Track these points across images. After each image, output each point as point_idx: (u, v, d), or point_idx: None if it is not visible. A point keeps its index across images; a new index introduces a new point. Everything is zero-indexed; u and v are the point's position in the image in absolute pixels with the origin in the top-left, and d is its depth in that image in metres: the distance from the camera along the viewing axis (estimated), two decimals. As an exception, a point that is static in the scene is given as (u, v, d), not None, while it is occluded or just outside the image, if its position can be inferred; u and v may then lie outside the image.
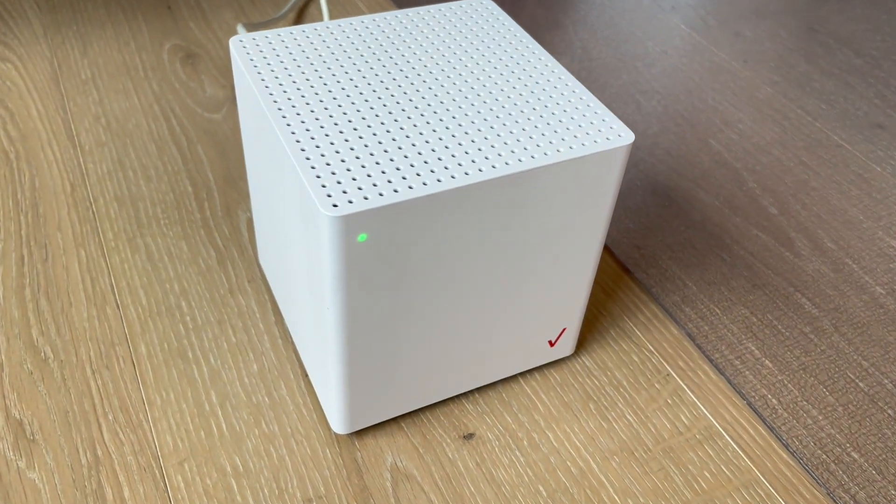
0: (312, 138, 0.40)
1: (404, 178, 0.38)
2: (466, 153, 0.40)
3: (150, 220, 0.61)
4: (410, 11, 0.51)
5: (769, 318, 0.58)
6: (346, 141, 0.40)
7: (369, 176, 0.38)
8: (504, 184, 0.39)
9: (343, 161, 0.39)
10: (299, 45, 0.47)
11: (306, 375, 0.51)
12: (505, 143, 0.41)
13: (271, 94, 0.43)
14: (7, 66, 0.76)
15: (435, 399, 0.50)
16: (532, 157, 0.40)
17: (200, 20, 0.85)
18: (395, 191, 0.37)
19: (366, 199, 0.37)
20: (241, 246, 0.60)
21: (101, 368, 0.51)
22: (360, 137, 0.40)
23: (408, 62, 0.46)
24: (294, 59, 0.45)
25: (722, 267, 0.62)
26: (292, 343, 0.53)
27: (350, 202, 0.37)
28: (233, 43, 0.46)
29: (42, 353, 0.52)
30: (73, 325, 0.54)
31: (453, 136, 0.41)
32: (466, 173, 0.39)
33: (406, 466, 0.47)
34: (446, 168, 0.39)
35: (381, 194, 0.37)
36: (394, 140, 0.40)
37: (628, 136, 0.42)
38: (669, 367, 0.54)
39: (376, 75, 0.45)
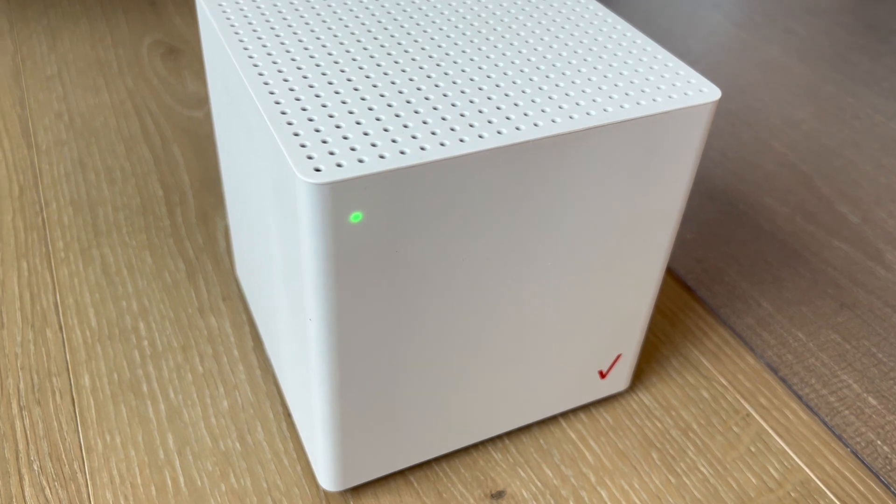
0: (292, 89, 0.30)
1: (414, 136, 0.28)
2: (499, 108, 0.29)
3: (111, 227, 0.51)
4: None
5: (865, 343, 0.47)
6: (338, 93, 0.30)
7: (366, 134, 0.28)
8: (550, 147, 0.29)
9: (332, 116, 0.28)
10: (282, -10, 0.37)
11: (289, 415, 0.41)
12: (550, 98, 0.30)
13: (241, 41, 0.32)
14: (-37, 61, 0.67)
15: (453, 447, 0.38)
16: (588, 113, 0.30)
17: (187, 14, 0.76)
18: (403, 152, 0.27)
19: (360, 161, 0.26)
20: (216, 257, 0.49)
21: (32, 404, 0.40)
22: (356, 90, 0.30)
23: (419, 7, 0.36)
24: (275, 4, 0.35)
25: (801, 283, 0.51)
26: (273, 374, 0.43)
27: (339, 165, 0.26)
28: (202, 2, 0.36)
29: (-42, 386, 0.41)
30: (3, 351, 0.43)
31: (480, 88, 0.30)
32: (500, 132, 0.28)
33: (416, 535, 0.36)
34: (472, 126, 0.28)
35: (382, 156, 0.27)
36: (401, 93, 0.30)
37: (713, 92, 0.32)
38: (749, 405, 0.43)
39: (379, 21, 0.34)
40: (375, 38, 0.33)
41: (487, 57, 0.32)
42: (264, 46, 0.32)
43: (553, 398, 0.40)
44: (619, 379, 0.41)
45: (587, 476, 0.39)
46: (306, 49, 0.32)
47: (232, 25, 0.34)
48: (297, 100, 0.29)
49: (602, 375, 0.40)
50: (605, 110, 0.30)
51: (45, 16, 0.74)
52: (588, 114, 0.30)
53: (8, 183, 0.54)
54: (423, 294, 0.31)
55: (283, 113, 0.28)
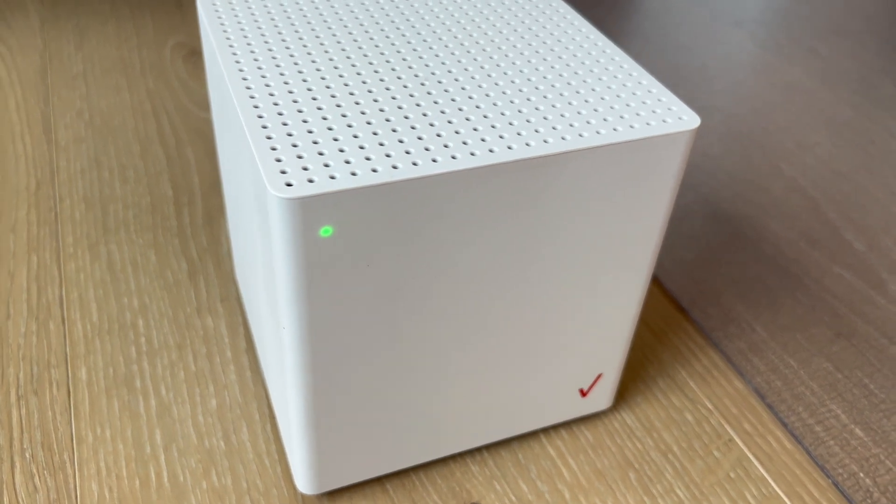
0: (276, 104, 0.31)
1: (388, 155, 0.28)
2: (475, 129, 0.30)
3: (119, 225, 0.53)
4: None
5: (858, 374, 0.46)
6: (320, 109, 0.30)
7: (342, 151, 0.28)
8: (524, 170, 0.29)
9: (311, 132, 0.29)
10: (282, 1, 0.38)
11: (274, 417, 0.41)
12: (528, 121, 0.31)
13: (234, 53, 0.34)
14: (-6, 57, 0.70)
15: (430, 457, 0.39)
16: (563, 138, 0.30)
17: (212, 19, 0.78)
18: (374, 170, 0.28)
19: (332, 178, 0.27)
20: (218, 258, 0.51)
21: (29, 394, 0.42)
22: (338, 106, 0.31)
23: (412, 25, 0.37)
24: (271, 16, 0.36)
25: (798, 310, 0.50)
26: (262, 377, 0.44)
27: (310, 181, 0.27)
28: (201, 4, 0.38)
29: (-38, 373, 0.43)
30: (6, 341, 0.45)
31: (460, 109, 0.31)
32: (473, 153, 0.29)
33: (388, 542, 0.37)
34: (447, 146, 0.29)
35: (353, 174, 0.27)
36: (381, 111, 0.31)
37: (692, 120, 0.32)
38: (732, 430, 0.43)
39: (371, 39, 0.35)
40: (365, 56, 0.34)
41: (472, 78, 0.33)
42: (255, 60, 0.33)
43: (532, 414, 0.40)
44: (601, 398, 0.41)
45: (562, 493, 0.39)
46: (296, 64, 0.33)
47: (227, 36, 0.35)
48: (280, 114, 0.30)
49: (583, 394, 0.41)
50: (580, 135, 0.30)
51: (74, 15, 0.77)
52: (563, 138, 0.30)
53: (26, 178, 0.56)
54: (396, 308, 0.31)
55: (264, 127, 0.29)
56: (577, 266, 0.34)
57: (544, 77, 0.33)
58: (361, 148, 0.29)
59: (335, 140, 0.29)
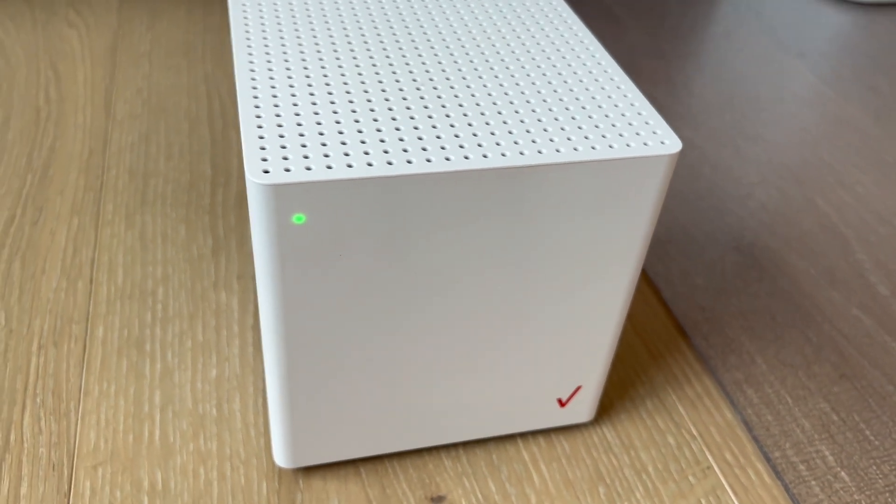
0: (275, 96, 0.33)
1: (367, 153, 0.30)
2: (456, 136, 0.31)
3: (157, 198, 0.56)
4: (450, -14, 0.43)
5: (855, 418, 0.45)
6: (315, 104, 0.32)
7: (324, 144, 0.30)
8: (496, 179, 0.31)
9: (300, 124, 0.31)
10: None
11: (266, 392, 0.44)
12: (510, 132, 0.32)
13: (248, 45, 0.36)
14: (71, 32, 0.75)
15: (404, 447, 0.40)
16: (539, 151, 0.31)
17: (277, 11, 0.81)
18: (350, 166, 0.29)
19: (308, 169, 0.29)
20: (242, 238, 0.53)
21: (49, 345, 0.45)
22: (333, 102, 0.33)
23: (424, 31, 0.38)
24: (292, 10, 0.39)
25: (805, 347, 0.50)
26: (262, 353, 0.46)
27: (287, 170, 0.29)
28: (231, -8, 0.40)
29: (-6, 319, 0.47)
30: (38, 294, 0.48)
31: (447, 115, 0.32)
32: (448, 158, 0.30)
33: (351, 522, 0.38)
34: (425, 149, 0.31)
35: (329, 167, 0.29)
36: (372, 111, 0.32)
37: (674, 144, 0.32)
38: (712, 457, 0.43)
39: (381, 42, 0.37)
40: (371, 58, 0.36)
41: (467, 87, 0.34)
42: (267, 53, 0.35)
43: (509, 418, 0.41)
44: (581, 410, 0.42)
45: (529, 497, 0.40)
46: (303, 60, 0.35)
47: (246, 29, 0.37)
48: (276, 105, 0.32)
49: (561, 404, 0.41)
50: (557, 150, 0.31)
51: (151, -2, 0.81)
52: (539, 152, 0.31)
53: (81, 146, 0.60)
54: (368, 302, 0.33)
55: (258, 116, 0.31)
56: (552, 279, 0.35)
57: (538, 90, 0.34)
58: (343, 143, 0.30)
59: (320, 134, 0.31)
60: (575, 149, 0.31)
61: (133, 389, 0.43)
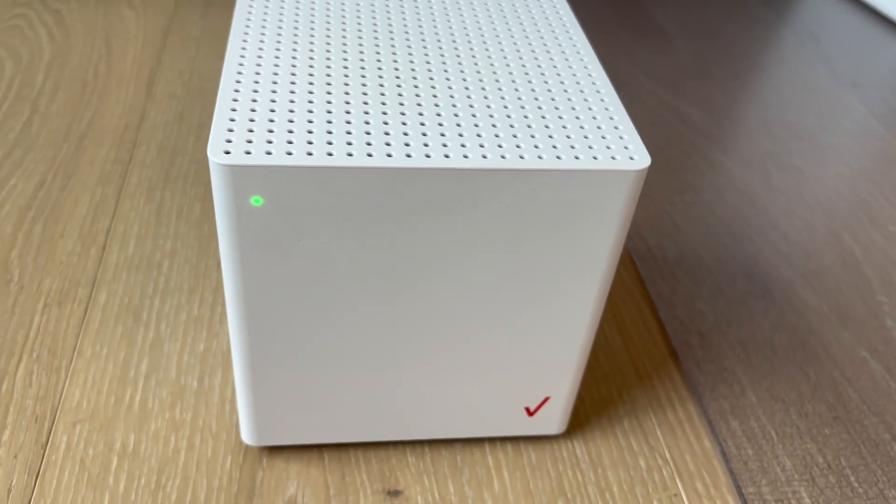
0: (256, 82, 0.34)
1: (330, 143, 0.31)
2: (424, 135, 0.32)
3: (179, 175, 0.58)
4: (461, -12, 0.43)
5: (842, 463, 0.44)
6: (293, 92, 0.33)
7: (291, 132, 0.31)
8: (452, 179, 0.31)
9: (273, 111, 0.32)
10: (314, -5, 0.41)
11: (247, 370, 0.45)
12: (478, 135, 0.32)
13: (245, 34, 0.37)
14: (129, 13, 0.78)
15: (367, 438, 0.41)
16: (503, 157, 0.31)
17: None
18: (310, 154, 0.30)
19: (268, 154, 0.30)
20: (253, 221, 0.55)
21: (54, 305, 0.48)
22: (311, 92, 0.33)
23: (421, 34, 0.39)
24: (297, 7, 0.40)
25: (802, 385, 0.48)
26: (252, 332, 0.47)
27: (247, 153, 0.30)
28: (244, -20, 0.41)
29: (9, 274, 0.49)
30: (53, 256, 0.51)
31: (421, 113, 0.33)
32: (408, 156, 0.31)
33: (306, 504, 0.39)
34: (388, 144, 0.31)
35: (289, 153, 0.30)
36: (347, 103, 0.33)
37: (642, 160, 0.32)
38: (682, 485, 0.42)
39: (375, 40, 0.38)
40: (361, 54, 0.36)
41: (449, 87, 0.35)
42: (261, 42, 0.36)
43: (476, 421, 0.41)
44: (550, 422, 0.42)
45: (485, 502, 0.40)
46: (294, 51, 0.36)
47: (248, 20, 0.38)
48: (255, 91, 0.33)
49: (529, 413, 0.41)
50: (521, 157, 0.31)
51: (209, -15, 0.84)
52: (503, 157, 0.31)
53: (118, 120, 0.63)
54: (326, 287, 0.34)
55: (234, 100, 0.32)
56: (513, 288, 0.35)
57: (518, 96, 0.35)
58: (309, 132, 0.31)
59: (290, 121, 0.32)
60: (540, 157, 0.31)
61: (123, 355, 0.45)
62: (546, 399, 0.41)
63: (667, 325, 0.51)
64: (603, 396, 0.46)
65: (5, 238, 0.51)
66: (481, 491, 0.41)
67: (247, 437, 0.40)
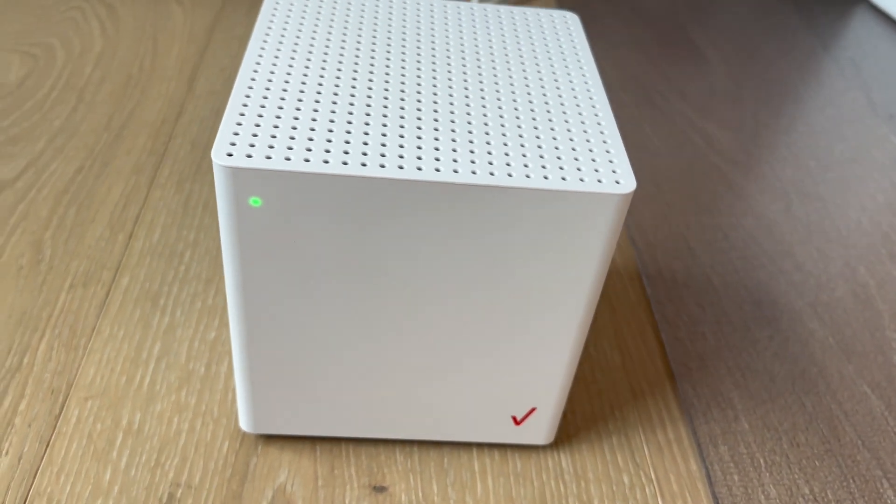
0: (268, 88, 0.35)
1: (328, 150, 0.32)
2: (419, 147, 0.33)
3: (209, 169, 0.61)
4: (480, 6, 0.45)
5: (828, 497, 0.44)
6: (300, 100, 0.35)
7: (292, 138, 0.33)
8: (440, 192, 0.32)
9: (279, 117, 0.34)
10: (335, 5, 0.43)
11: (252, 360, 0.47)
12: (471, 151, 0.33)
13: (265, 39, 0.39)
14: (177, 9, 0.81)
15: (359, 434, 0.43)
16: (491, 174, 0.32)
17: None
18: (307, 160, 0.32)
19: (268, 158, 0.32)
20: (274, 217, 0.57)
21: (79, 285, 0.50)
22: (317, 101, 0.35)
23: (433, 50, 0.40)
24: (318, 15, 0.41)
25: (797, 415, 0.48)
26: (262, 325, 0.49)
27: (248, 156, 0.32)
28: (271, -11, 0.43)
29: (40, 254, 0.52)
30: (83, 239, 0.54)
31: (419, 126, 0.34)
32: (401, 167, 0.32)
33: (294, 494, 0.41)
34: (383, 156, 0.33)
35: (287, 158, 0.32)
36: (350, 113, 0.35)
37: (627, 185, 0.33)
38: (663, 505, 0.43)
39: (387, 55, 0.39)
40: (371, 66, 0.38)
41: (451, 102, 0.36)
42: (278, 49, 0.38)
43: (464, 425, 0.42)
44: (537, 432, 0.43)
45: (467, 505, 0.41)
46: (308, 59, 0.38)
47: (269, 25, 0.40)
48: (265, 97, 0.35)
49: (516, 422, 0.42)
50: (509, 175, 0.33)
51: (257, -14, 0.87)
52: (491, 174, 0.33)
53: (157, 113, 0.66)
54: (321, 289, 0.35)
55: (245, 105, 0.34)
56: (499, 302, 0.36)
57: (517, 115, 0.36)
58: (310, 139, 0.33)
59: (293, 128, 0.33)
60: (527, 175, 0.33)
61: (138, 337, 0.48)
62: (532, 409, 0.42)
63: (668, 346, 0.52)
64: (595, 411, 0.47)
65: (41, 220, 0.55)
66: (464, 494, 0.42)
67: (244, 424, 0.42)
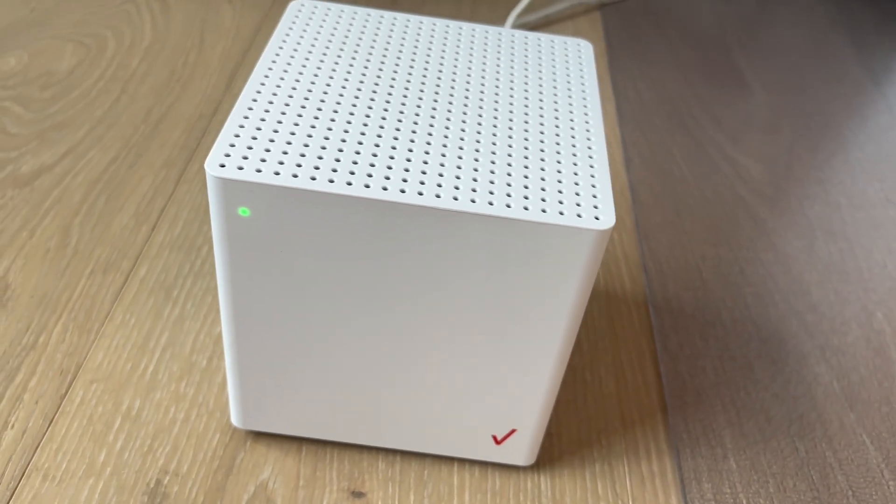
0: (271, 102, 0.37)
1: (317, 167, 0.34)
2: (406, 170, 0.34)
3: (236, 167, 0.63)
4: (495, 30, 0.46)
5: (810, 545, 0.43)
6: (300, 115, 0.36)
7: (285, 153, 0.34)
8: (418, 216, 0.33)
9: (276, 131, 0.35)
10: (351, 25, 0.44)
11: (252, 358, 0.49)
12: (457, 178, 0.34)
13: (278, 53, 0.40)
14: (227, 7, 0.84)
15: (343, 438, 0.44)
16: (472, 200, 0.33)
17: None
18: (295, 176, 0.33)
19: (258, 171, 0.33)
20: (292, 219, 0.59)
21: (99, 272, 0.53)
22: (316, 118, 0.36)
23: (439, 74, 0.41)
24: (332, 34, 0.43)
25: (789, 459, 0.48)
26: (266, 323, 0.51)
27: (240, 168, 0.33)
28: (291, 6, 0.45)
29: (68, 239, 0.55)
30: (108, 227, 0.56)
31: (411, 150, 0.35)
32: (385, 188, 0.33)
33: (274, 491, 0.42)
34: (369, 175, 0.34)
35: (276, 173, 0.33)
36: (346, 132, 0.36)
37: (606, 221, 0.33)
38: (637, 537, 0.43)
39: (393, 77, 0.40)
40: (376, 84, 0.39)
41: (447, 128, 0.37)
42: (289, 63, 0.40)
43: (445, 440, 0.43)
44: (517, 453, 0.43)
45: (440, 518, 0.42)
46: (315, 75, 0.39)
47: (285, 36, 0.42)
48: (267, 111, 0.36)
49: (497, 441, 0.43)
50: (489, 203, 0.33)
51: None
52: (472, 201, 0.33)
53: (194, 109, 0.68)
54: (306, 299, 0.37)
55: (245, 117, 0.36)
56: (479, 326, 0.37)
57: (509, 144, 0.36)
58: (302, 156, 0.34)
59: (288, 143, 0.35)
60: (508, 205, 0.33)
61: (148, 326, 0.50)
62: (513, 431, 0.42)
63: (665, 377, 0.51)
64: (581, 437, 0.47)
65: (73, 206, 0.57)
66: (440, 507, 0.43)
67: (235, 419, 0.44)
